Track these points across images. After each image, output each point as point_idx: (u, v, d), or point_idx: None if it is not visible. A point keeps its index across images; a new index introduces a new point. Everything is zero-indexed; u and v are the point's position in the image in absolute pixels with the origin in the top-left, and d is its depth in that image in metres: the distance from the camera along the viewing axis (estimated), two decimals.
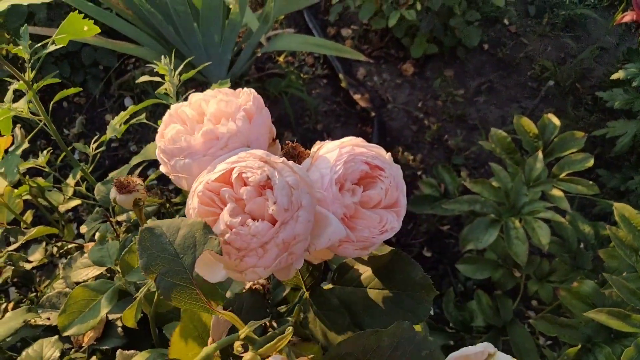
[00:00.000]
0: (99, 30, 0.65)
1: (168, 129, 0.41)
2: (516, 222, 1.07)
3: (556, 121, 1.17)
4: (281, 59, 2.02)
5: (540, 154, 1.13)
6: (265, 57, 2.01)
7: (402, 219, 0.41)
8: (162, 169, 0.41)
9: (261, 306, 0.47)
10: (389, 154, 0.41)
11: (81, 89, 0.71)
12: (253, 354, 0.33)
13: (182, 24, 1.48)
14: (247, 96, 0.41)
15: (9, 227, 0.71)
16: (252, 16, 1.51)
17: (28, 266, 0.89)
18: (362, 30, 2.09)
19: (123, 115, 0.71)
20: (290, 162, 0.35)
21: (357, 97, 1.87)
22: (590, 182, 1.08)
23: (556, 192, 1.09)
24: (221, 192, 0.34)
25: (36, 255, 0.87)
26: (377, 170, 0.39)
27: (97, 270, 0.57)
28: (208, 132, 0.38)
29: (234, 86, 0.46)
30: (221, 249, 0.32)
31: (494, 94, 1.95)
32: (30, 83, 0.64)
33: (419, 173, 1.73)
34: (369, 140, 1.42)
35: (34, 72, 0.63)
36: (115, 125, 0.76)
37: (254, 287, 0.56)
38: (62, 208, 0.92)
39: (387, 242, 1.35)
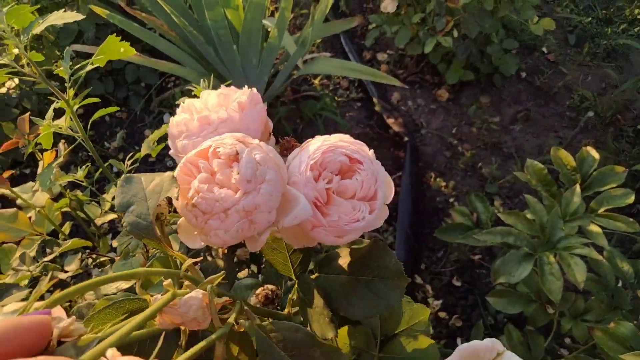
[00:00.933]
0: (134, 52, 0.67)
1: (176, 117, 0.47)
2: (551, 257, 1.04)
3: (595, 154, 1.14)
4: (316, 81, 2.05)
5: (577, 188, 1.10)
6: (301, 79, 2.04)
7: (383, 217, 0.44)
8: (171, 153, 0.47)
9: (232, 271, 0.53)
10: (372, 151, 0.44)
11: (120, 108, 0.74)
12: (173, 291, 0.36)
13: (223, 46, 1.52)
14: (243, 92, 0.47)
15: (48, 238, 0.73)
16: (290, 39, 1.54)
17: (64, 276, 0.92)
18: (398, 55, 2.10)
19: (158, 132, 0.74)
20: (264, 144, 0.39)
21: (390, 121, 1.87)
22: (631, 220, 1.05)
23: (594, 228, 1.06)
24: (198, 164, 0.38)
25: (72, 266, 0.89)
26: (356, 164, 0.42)
27: (126, 284, 0.58)
28: (202, 117, 0.44)
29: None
30: (190, 211, 0.37)
31: (530, 123, 1.92)
32: (70, 102, 0.67)
33: (451, 200, 1.71)
34: (401, 165, 1.41)
35: (77, 87, 0.66)
36: (151, 142, 0.79)
37: (264, 292, 0.59)
38: (99, 221, 0.95)
39: (416, 269, 1.32)
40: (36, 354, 0.23)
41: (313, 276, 0.50)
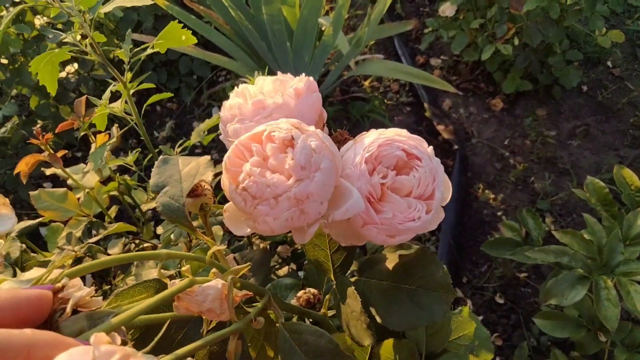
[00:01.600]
0: (196, 41, 0.67)
1: (229, 101, 0.46)
2: (608, 282, 0.97)
3: None
4: (367, 83, 2.02)
5: None
6: (351, 80, 2.01)
7: (438, 220, 0.41)
8: (221, 137, 0.46)
9: (267, 263, 0.50)
10: (431, 147, 0.41)
11: (173, 95, 0.74)
12: (191, 278, 0.35)
13: (276, 42, 1.52)
14: (300, 79, 0.45)
15: (94, 219, 0.73)
16: (344, 39, 1.52)
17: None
18: (452, 61, 2.04)
19: (209, 122, 0.73)
20: (320, 132, 0.37)
21: (440, 127, 1.82)
22: None
23: None
24: (251, 147, 0.37)
25: (115, 250, 0.90)
26: (413, 160, 0.39)
27: (166, 272, 0.57)
28: (257, 102, 0.43)
29: None
30: (239, 195, 0.36)
31: (589, 139, 1.82)
32: (127, 85, 0.67)
33: (499, 214, 1.64)
34: (449, 174, 1.35)
35: (132, 73, 0.66)
36: (201, 131, 0.78)
37: (305, 296, 0.57)
38: (144, 207, 0.95)
39: (457, 282, 1.26)
40: (32, 327, 0.23)
41: (353, 279, 0.48)
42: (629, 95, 1.92)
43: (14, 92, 1.67)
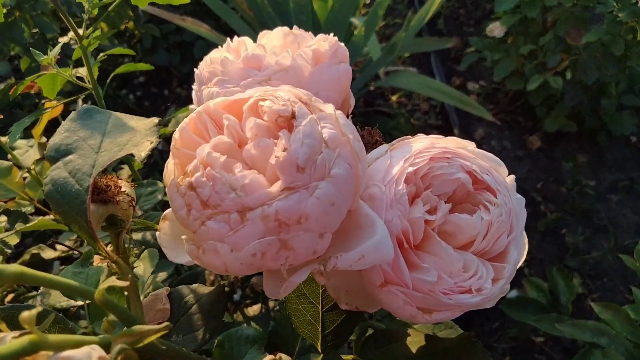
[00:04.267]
0: (188, 0, 0.52)
1: (213, 53, 0.32)
2: None
3: None
4: (394, 98, 1.85)
5: None
6: (378, 92, 1.85)
7: (501, 294, 0.27)
8: (191, 106, 0.34)
9: (219, 313, 0.34)
10: (512, 176, 0.28)
11: (153, 67, 0.58)
12: (33, 336, 0.18)
13: None
14: (325, 37, 0.31)
15: (14, 209, 0.57)
16: (376, 43, 1.36)
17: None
18: (491, 88, 1.86)
19: (185, 109, 0.58)
20: (341, 116, 0.23)
21: None
22: None
23: None
24: (222, 120, 0.24)
25: (25, 256, 0.75)
26: (483, 192, 0.26)
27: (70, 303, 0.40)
28: (251, 57, 0.29)
29: None
30: (182, 195, 0.22)
31: (632, 196, 1.62)
32: (85, 40, 0.51)
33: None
34: None
35: (90, 29, 0.50)
36: (180, 119, 0.63)
37: None
38: None
39: None
40: None
41: (349, 357, 0.34)
42: None
43: (12, 52, 1.53)
